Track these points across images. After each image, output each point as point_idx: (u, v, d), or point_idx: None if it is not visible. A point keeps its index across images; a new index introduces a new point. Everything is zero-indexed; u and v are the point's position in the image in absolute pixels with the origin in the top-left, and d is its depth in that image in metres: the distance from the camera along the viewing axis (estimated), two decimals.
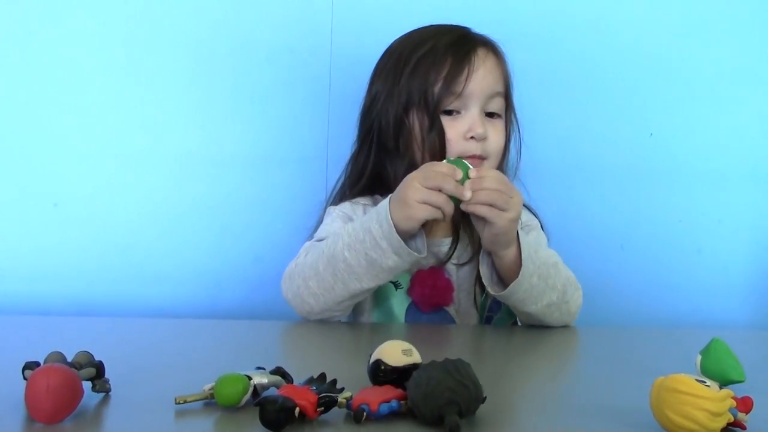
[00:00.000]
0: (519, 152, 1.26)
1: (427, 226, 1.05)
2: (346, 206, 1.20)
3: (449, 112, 1.15)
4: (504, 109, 1.19)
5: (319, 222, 1.20)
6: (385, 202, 1.03)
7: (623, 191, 1.48)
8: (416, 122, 1.14)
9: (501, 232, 1.02)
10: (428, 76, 1.13)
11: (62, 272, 1.36)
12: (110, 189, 1.37)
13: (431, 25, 1.20)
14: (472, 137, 1.13)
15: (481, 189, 1.00)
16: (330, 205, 1.22)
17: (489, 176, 1.02)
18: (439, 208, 1.00)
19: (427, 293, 1.13)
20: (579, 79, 1.46)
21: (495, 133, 1.17)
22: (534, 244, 1.09)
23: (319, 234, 1.15)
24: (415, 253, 1.03)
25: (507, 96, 1.20)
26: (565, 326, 1.13)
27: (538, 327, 1.12)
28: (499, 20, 1.39)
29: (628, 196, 1.48)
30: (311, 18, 1.40)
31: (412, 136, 1.14)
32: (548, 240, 1.23)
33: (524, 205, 1.24)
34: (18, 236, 1.35)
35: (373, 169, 1.20)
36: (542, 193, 1.31)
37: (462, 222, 1.15)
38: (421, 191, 1.00)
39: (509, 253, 1.05)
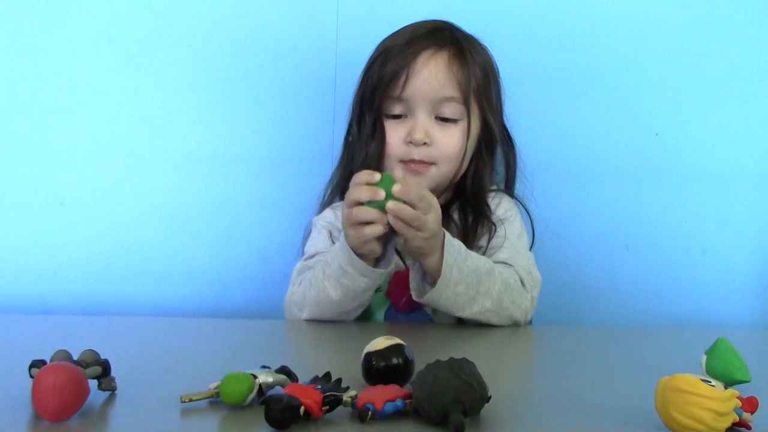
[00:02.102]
0: (514, 158, 1.26)
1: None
2: (328, 215, 1.21)
3: (397, 116, 1.15)
4: (465, 114, 1.14)
5: (308, 233, 1.22)
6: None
7: (628, 191, 1.47)
8: (366, 124, 1.16)
9: (416, 247, 1.00)
10: (374, 79, 1.15)
11: (68, 271, 1.36)
12: (116, 188, 1.37)
13: (409, 24, 1.20)
14: (410, 141, 1.13)
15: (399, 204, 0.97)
16: (316, 215, 1.23)
17: (408, 191, 0.97)
18: (372, 222, 0.98)
19: (405, 293, 1.13)
20: (584, 78, 1.46)
21: (445, 138, 1.14)
22: (464, 252, 1.03)
23: (307, 250, 1.18)
24: (381, 270, 1.02)
25: (468, 101, 1.14)
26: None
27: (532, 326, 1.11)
28: (503, 20, 1.40)
29: (633, 197, 1.47)
30: (317, 17, 1.40)
31: (365, 138, 1.16)
32: (534, 235, 1.23)
33: (510, 195, 1.24)
34: (25, 235, 1.36)
35: (350, 167, 1.21)
36: (547, 193, 1.30)
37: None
38: (349, 214, 0.99)
39: (432, 261, 1.02)
